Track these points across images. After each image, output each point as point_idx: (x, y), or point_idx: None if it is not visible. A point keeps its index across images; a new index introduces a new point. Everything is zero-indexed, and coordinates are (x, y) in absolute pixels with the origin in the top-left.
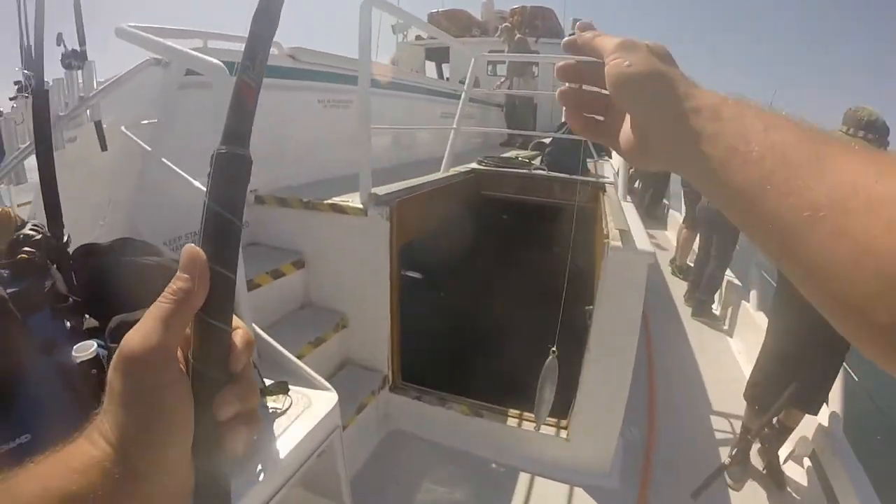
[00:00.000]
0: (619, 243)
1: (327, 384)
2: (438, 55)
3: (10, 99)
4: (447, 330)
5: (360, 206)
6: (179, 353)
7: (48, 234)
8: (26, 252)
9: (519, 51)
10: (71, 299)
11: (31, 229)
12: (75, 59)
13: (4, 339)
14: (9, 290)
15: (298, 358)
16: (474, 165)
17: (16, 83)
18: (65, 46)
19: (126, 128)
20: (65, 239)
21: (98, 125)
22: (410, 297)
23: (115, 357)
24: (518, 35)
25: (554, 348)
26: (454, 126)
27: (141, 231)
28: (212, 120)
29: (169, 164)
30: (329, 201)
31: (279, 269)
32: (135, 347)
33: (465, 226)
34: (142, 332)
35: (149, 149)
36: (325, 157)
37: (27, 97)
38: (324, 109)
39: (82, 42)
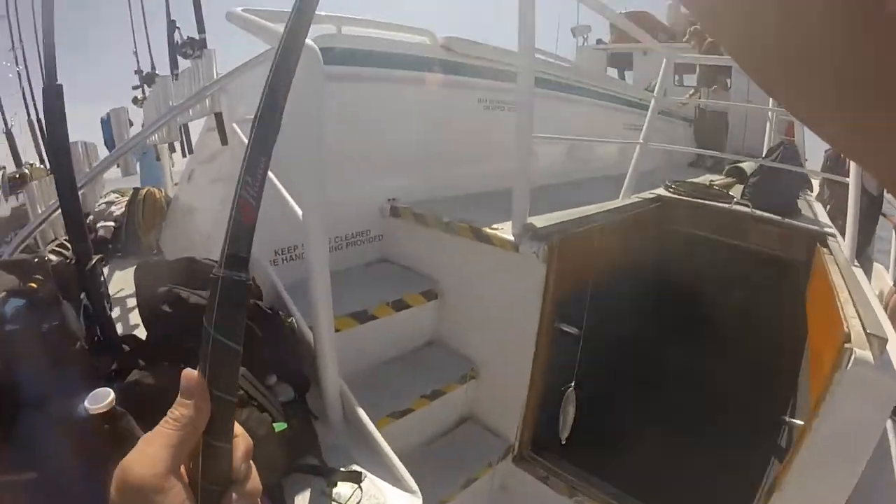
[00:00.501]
0: (868, 356)
1: (412, 483)
2: (621, 61)
3: (134, 88)
4: (600, 399)
5: (511, 238)
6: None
7: (68, 258)
8: (35, 281)
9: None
10: (79, 344)
11: (52, 250)
12: (192, 48)
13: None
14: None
15: (407, 413)
16: (661, 192)
17: (136, 72)
18: (180, 35)
19: (238, 124)
20: (93, 261)
21: (219, 117)
22: (560, 354)
23: (118, 480)
24: (709, 39)
25: None
26: (640, 140)
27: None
28: (333, 116)
29: (272, 175)
30: (474, 225)
31: (403, 300)
32: (143, 475)
33: (640, 271)
34: (148, 460)
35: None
36: (482, 166)
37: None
38: (484, 111)
39: (201, 30)
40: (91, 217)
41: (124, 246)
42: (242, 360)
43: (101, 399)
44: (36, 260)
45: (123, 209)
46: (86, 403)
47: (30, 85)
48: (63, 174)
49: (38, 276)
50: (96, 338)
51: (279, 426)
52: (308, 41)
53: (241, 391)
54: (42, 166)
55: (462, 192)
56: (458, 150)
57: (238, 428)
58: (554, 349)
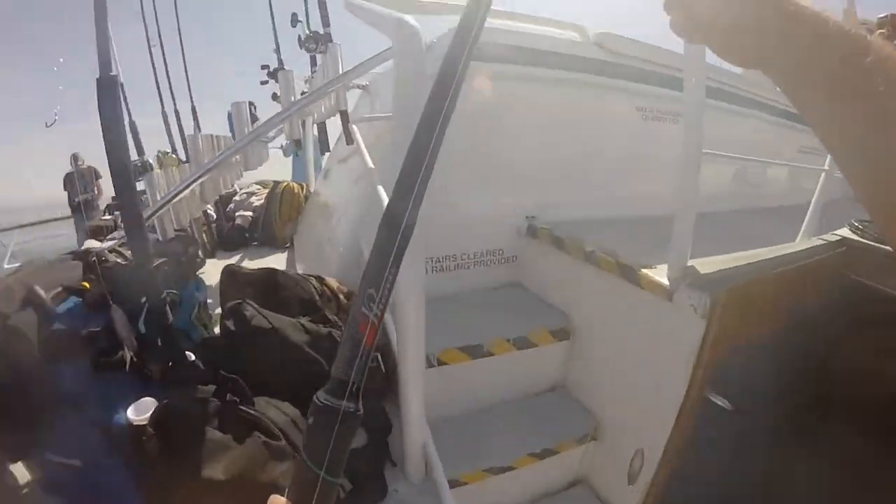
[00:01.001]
0: None
1: None
2: None
3: (262, 83)
4: (750, 488)
5: (666, 283)
6: None
7: (125, 258)
8: (89, 280)
9: None
10: (125, 354)
11: (112, 249)
12: (316, 43)
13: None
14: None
15: (508, 470)
16: (845, 233)
17: (263, 67)
18: (305, 28)
19: (357, 124)
20: (154, 264)
21: (344, 115)
22: (705, 429)
23: None
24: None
25: None
26: (825, 167)
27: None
28: (460, 116)
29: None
30: (620, 260)
31: (527, 339)
32: None
33: (814, 334)
34: None
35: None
36: (638, 187)
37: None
38: (643, 122)
39: (326, 23)
40: (231, 206)
41: (260, 236)
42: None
43: (143, 411)
44: (92, 258)
45: (262, 201)
46: (128, 413)
47: (167, 77)
48: (119, 171)
49: (91, 276)
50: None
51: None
52: (410, 20)
53: (281, 439)
54: (174, 155)
55: (614, 215)
56: (611, 167)
57: None
58: (699, 423)
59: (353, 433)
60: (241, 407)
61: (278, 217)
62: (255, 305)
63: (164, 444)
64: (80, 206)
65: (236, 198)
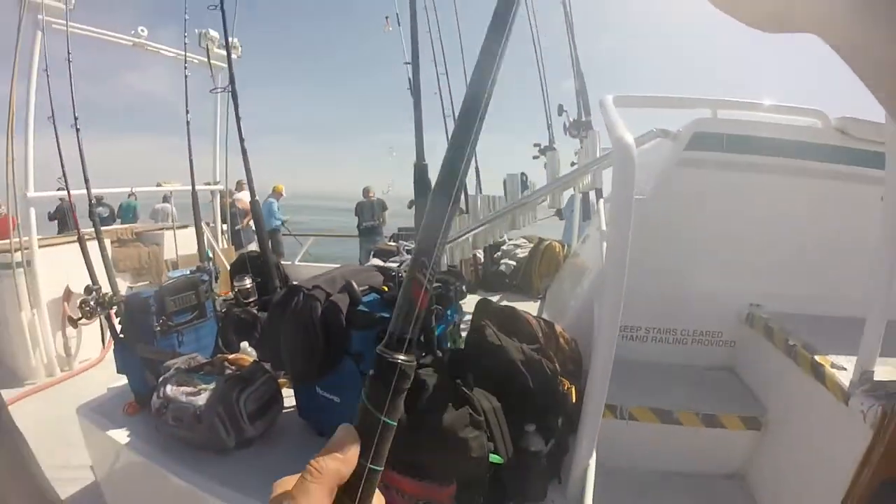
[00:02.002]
0: None
1: None
2: None
3: (534, 158)
4: None
5: (845, 385)
6: None
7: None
8: (387, 286)
9: None
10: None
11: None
12: (577, 129)
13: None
14: (357, 308)
15: None
16: None
17: (535, 145)
18: (568, 116)
19: (604, 202)
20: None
21: (597, 192)
22: None
23: None
24: None
25: None
26: None
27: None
28: (696, 200)
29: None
30: (816, 357)
31: (717, 417)
32: None
33: None
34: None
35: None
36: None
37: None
38: None
39: (587, 113)
40: (499, 253)
41: (519, 284)
42: (512, 399)
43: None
44: (393, 273)
45: (526, 253)
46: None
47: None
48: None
49: (390, 283)
50: (420, 337)
51: (495, 458)
52: (627, 137)
53: (482, 417)
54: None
55: (848, 314)
56: (849, 259)
57: (378, 496)
58: None
59: (408, 381)
60: (463, 388)
61: (537, 270)
62: (494, 328)
63: (407, 398)
64: (367, 230)
65: (504, 247)
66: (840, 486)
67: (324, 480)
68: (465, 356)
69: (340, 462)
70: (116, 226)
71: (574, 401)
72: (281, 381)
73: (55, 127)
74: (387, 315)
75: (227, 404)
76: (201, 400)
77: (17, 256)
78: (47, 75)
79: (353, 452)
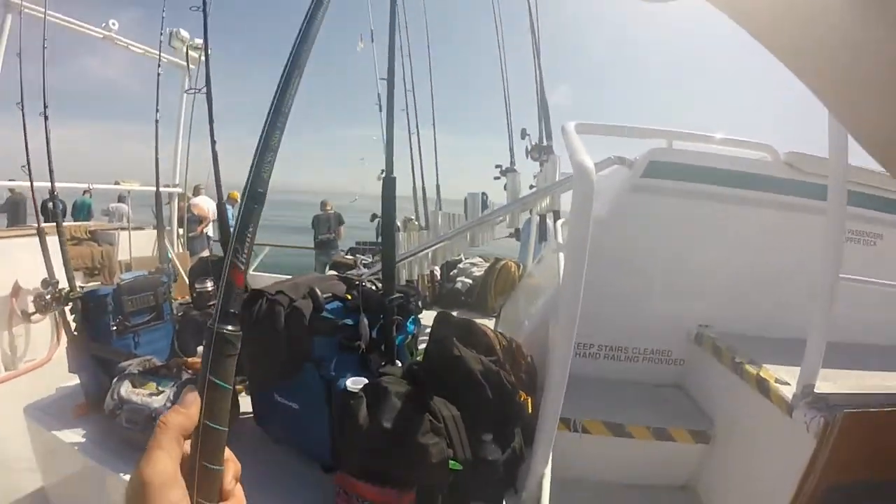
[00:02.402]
0: None
1: None
2: None
3: (495, 179)
4: None
5: (789, 398)
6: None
7: (378, 290)
8: (351, 294)
9: None
10: (360, 345)
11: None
12: (538, 153)
13: (296, 339)
14: (320, 315)
15: None
16: None
17: (497, 166)
18: (530, 141)
19: (562, 224)
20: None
21: (556, 214)
22: None
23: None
24: None
25: None
26: None
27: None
28: (650, 226)
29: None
30: (761, 373)
31: (668, 431)
32: (149, 474)
33: None
34: (151, 462)
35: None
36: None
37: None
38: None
39: (548, 137)
40: (455, 271)
41: (474, 302)
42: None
43: (357, 383)
44: (356, 282)
45: (482, 272)
46: (348, 381)
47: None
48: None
49: (354, 293)
50: (380, 346)
51: (454, 465)
52: (588, 162)
53: (441, 424)
54: (417, 222)
55: (794, 336)
56: (793, 284)
57: (228, 453)
58: None
59: (234, 348)
60: (423, 396)
61: (493, 288)
62: (454, 339)
63: (369, 405)
64: (323, 243)
65: (460, 265)
66: (786, 494)
67: (169, 431)
68: (425, 365)
69: (184, 416)
70: (69, 223)
71: (530, 412)
72: (238, 387)
73: (24, 114)
74: (350, 322)
75: None
76: (157, 402)
77: None
78: (19, 59)
79: (195, 409)
